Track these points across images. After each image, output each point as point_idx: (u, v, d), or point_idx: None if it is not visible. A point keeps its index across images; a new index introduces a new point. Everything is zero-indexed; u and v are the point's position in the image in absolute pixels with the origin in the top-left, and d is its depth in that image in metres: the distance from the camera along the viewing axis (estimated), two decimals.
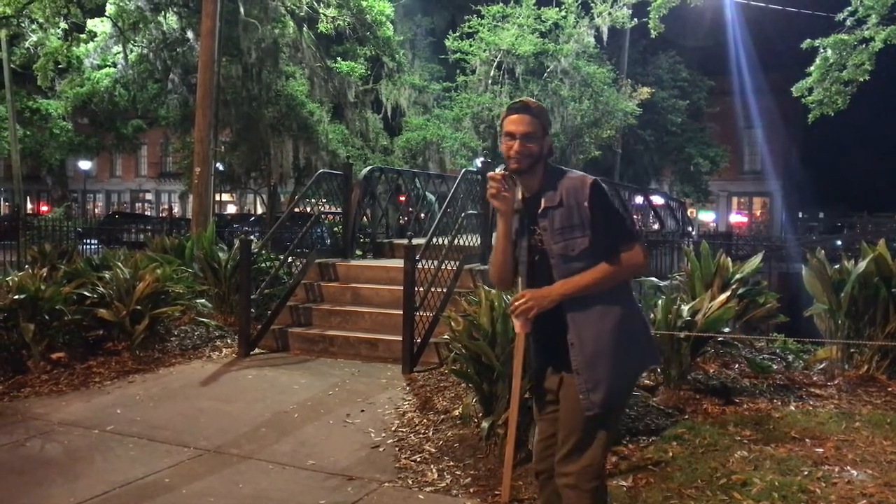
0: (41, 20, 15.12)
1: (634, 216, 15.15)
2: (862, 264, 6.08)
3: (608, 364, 2.53)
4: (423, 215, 12.21)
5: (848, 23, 12.84)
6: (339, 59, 20.03)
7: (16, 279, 6.61)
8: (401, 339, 6.75)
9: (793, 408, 5.29)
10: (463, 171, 9.54)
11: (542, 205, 2.60)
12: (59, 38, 17.53)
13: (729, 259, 7.13)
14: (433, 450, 4.56)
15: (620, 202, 13.91)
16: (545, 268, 2.61)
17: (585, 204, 2.54)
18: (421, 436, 4.84)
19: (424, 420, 5.15)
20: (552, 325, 2.61)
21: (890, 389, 5.71)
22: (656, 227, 17.00)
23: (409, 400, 5.71)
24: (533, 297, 2.57)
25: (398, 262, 7.60)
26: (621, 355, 2.56)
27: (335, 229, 10.73)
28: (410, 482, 4.08)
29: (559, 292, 2.55)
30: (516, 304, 2.59)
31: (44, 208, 44.32)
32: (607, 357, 2.54)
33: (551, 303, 2.56)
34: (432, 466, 4.28)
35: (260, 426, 5.08)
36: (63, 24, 16.78)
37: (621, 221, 2.57)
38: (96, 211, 47.82)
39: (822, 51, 13.22)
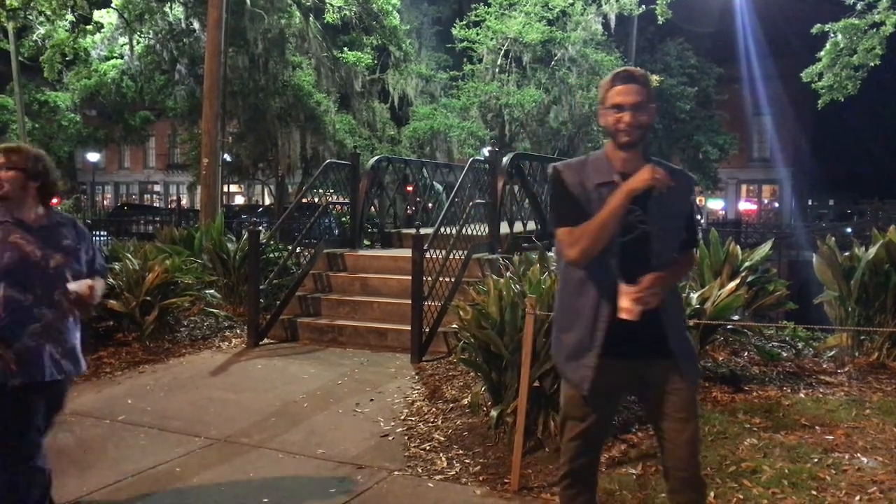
0: (48, 12, 15.13)
1: None
2: (872, 251, 6.05)
3: (691, 343, 2.68)
4: (430, 205, 12.20)
5: (858, 7, 12.70)
6: (345, 48, 19.98)
7: None
8: (409, 328, 6.76)
9: (802, 395, 5.28)
10: (470, 160, 9.52)
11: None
12: (66, 30, 17.54)
13: (738, 247, 7.10)
14: (442, 438, 4.58)
15: None
16: (640, 249, 2.48)
17: (690, 197, 2.59)
18: (430, 424, 4.86)
19: (433, 409, 5.16)
20: (646, 316, 2.49)
21: None
22: None
23: (418, 389, 5.73)
24: (660, 289, 2.44)
25: (406, 252, 7.61)
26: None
27: (343, 219, 10.73)
28: (420, 470, 4.09)
29: (665, 284, 2.49)
30: (647, 293, 2.39)
31: (53, 200, 44.47)
32: (688, 337, 2.68)
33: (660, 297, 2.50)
34: (441, 455, 4.30)
35: (270, 416, 5.11)
36: (70, 16, 16.79)
37: (698, 223, 2.65)
38: (105, 202, 48.00)
39: (832, 35, 13.09)
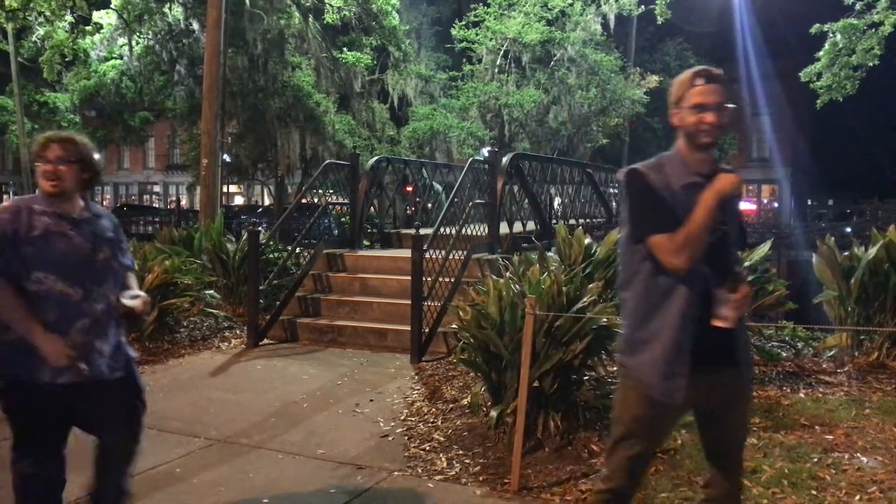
0: (48, 13, 15.13)
1: None
2: (872, 251, 6.05)
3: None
4: (430, 205, 12.20)
5: (857, 7, 12.72)
6: (344, 49, 19.99)
7: None
8: (409, 328, 6.76)
9: (802, 395, 5.28)
10: (470, 160, 9.53)
11: None
12: (65, 31, 17.55)
13: None
14: (442, 439, 4.58)
15: None
16: (720, 251, 2.43)
17: (738, 200, 2.57)
18: (430, 425, 4.86)
19: (433, 409, 5.16)
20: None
21: None
22: None
23: (418, 389, 5.72)
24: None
25: (406, 252, 7.61)
26: None
27: (343, 220, 10.73)
28: (420, 471, 4.09)
29: None
30: (745, 301, 2.38)
31: None
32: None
33: None
34: (441, 455, 4.29)
35: (269, 416, 5.10)
36: (69, 17, 16.80)
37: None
38: (105, 203, 47.98)
39: (830, 35, 13.11)
